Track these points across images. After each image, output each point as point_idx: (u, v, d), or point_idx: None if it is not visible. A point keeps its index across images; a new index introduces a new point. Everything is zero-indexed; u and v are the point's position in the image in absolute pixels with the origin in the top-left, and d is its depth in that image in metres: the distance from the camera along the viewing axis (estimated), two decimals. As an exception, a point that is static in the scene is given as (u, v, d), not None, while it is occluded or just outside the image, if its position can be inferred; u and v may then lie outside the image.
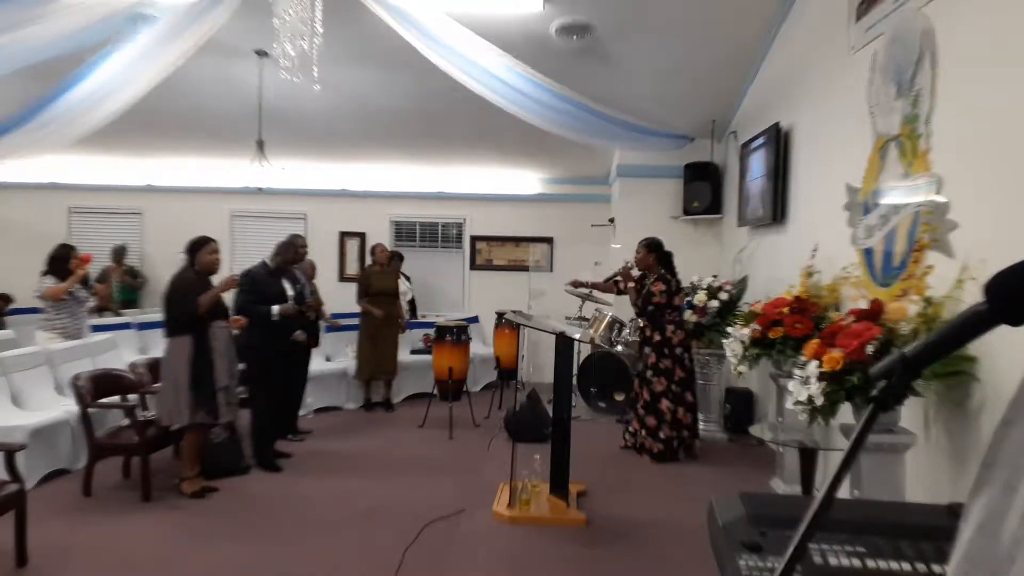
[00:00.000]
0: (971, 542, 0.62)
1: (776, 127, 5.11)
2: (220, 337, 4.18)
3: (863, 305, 3.10)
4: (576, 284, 5.91)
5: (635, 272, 5.35)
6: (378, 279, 6.49)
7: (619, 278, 5.44)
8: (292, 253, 5.16)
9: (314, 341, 5.73)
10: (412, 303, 7.80)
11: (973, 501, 0.63)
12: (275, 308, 4.86)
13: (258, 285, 4.91)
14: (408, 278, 7.64)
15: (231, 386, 4.26)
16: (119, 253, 8.06)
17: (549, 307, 7.29)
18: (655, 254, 5.15)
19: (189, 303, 4.04)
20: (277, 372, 4.97)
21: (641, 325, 5.16)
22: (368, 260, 7.33)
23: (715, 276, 5.88)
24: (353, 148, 7.88)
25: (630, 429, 5.25)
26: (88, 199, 8.57)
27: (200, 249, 4.20)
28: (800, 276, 4.13)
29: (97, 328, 5.96)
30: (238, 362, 4.44)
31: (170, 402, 4.07)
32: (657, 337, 4.98)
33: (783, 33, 5.18)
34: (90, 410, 4.18)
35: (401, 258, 7.09)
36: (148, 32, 4.68)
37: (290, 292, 5.06)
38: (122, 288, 7.91)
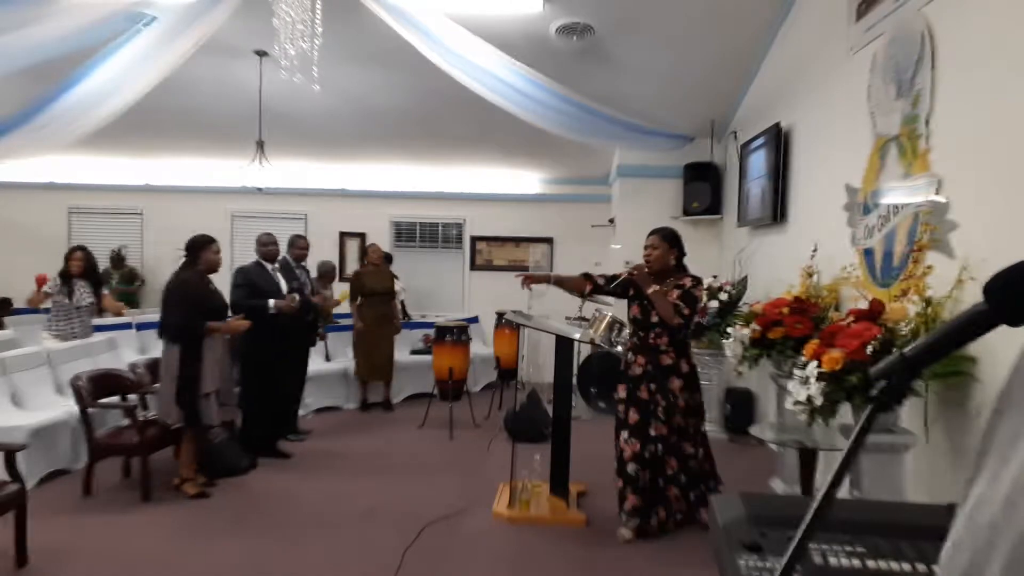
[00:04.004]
0: (958, 528, 0.63)
1: (776, 127, 5.11)
2: (215, 346, 4.17)
3: (863, 305, 3.10)
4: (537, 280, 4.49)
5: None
6: (371, 279, 6.48)
7: (633, 274, 3.67)
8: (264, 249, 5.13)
9: (313, 341, 5.72)
10: (402, 304, 7.78)
11: (968, 490, 0.64)
12: (271, 302, 4.85)
13: (251, 279, 4.94)
14: (396, 278, 7.64)
15: (224, 389, 4.25)
16: (116, 258, 8.02)
17: (549, 307, 7.29)
18: (676, 251, 3.72)
19: (193, 316, 4.06)
20: (271, 371, 4.97)
21: (661, 348, 3.62)
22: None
23: (715, 276, 5.87)
24: (353, 148, 7.88)
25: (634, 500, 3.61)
26: (88, 199, 8.57)
27: (204, 249, 4.24)
28: (800, 276, 4.13)
29: (97, 328, 5.96)
30: (233, 363, 4.44)
31: (165, 401, 4.13)
32: (685, 367, 3.63)
33: (783, 33, 5.18)
34: (90, 410, 4.18)
35: (390, 259, 7.06)
36: (148, 32, 4.69)
37: (284, 288, 5.04)
38: (122, 293, 7.89)
